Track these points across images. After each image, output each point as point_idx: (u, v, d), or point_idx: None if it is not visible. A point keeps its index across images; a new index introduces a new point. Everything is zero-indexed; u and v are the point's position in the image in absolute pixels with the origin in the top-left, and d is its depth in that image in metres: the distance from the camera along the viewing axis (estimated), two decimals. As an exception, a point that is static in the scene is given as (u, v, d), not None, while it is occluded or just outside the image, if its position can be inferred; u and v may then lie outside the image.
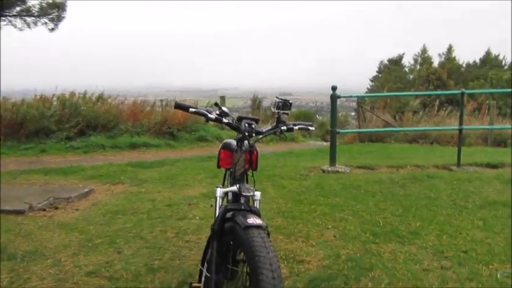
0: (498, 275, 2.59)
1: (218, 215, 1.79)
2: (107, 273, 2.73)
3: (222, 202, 1.94)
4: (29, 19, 11.42)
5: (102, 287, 2.55)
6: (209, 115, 1.86)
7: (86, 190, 4.89)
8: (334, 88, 6.18)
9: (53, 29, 11.66)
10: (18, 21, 11.43)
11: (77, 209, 4.27)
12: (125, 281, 2.63)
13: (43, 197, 4.46)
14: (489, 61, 29.27)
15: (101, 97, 10.47)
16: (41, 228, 3.63)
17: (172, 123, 10.13)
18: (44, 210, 4.17)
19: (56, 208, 4.27)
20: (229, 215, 1.74)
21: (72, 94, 10.12)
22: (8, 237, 3.36)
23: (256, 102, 16.50)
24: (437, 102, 13.15)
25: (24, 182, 5.50)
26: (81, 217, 3.97)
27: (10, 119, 8.91)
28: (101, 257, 3.00)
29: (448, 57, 30.36)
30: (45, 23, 11.55)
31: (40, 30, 11.48)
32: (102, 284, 2.59)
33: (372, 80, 35.14)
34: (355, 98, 12.74)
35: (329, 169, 6.08)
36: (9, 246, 3.16)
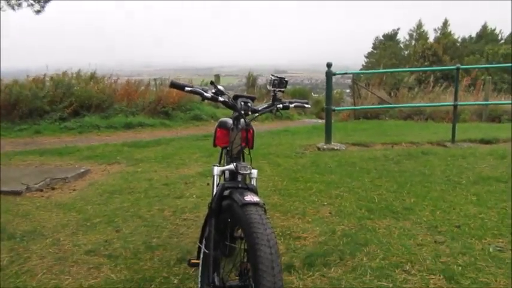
0: (491, 249, 2.64)
1: (216, 193, 1.80)
2: (106, 252, 2.76)
3: (219, 180, 1.95)
4: (13, 0, 11.04)
5: (101, 265, 2.58)
6: (205, 94, 1.86)
7: (82, 170, 4.89)
8: (329, 65, 6.15)
9: (39, 11, 11.29)
10: (2, 3, 11.05)
11: (74, 189, 4.28)
12: (124, 258, 2.66)
13: (39, 177, 4.47)
14: (485, 35, 29.15)
15: (93, 76, 10.36)
16: (38, 208, 3.65)
17: (167, 102, 10.08)
18: (41, 190, 4.18)
19: (53, 188, 4.29)
20: (226, 193, 1.75)
21: (65, 74, 10.00)
22: (7, 217, 3.38)
23: (251, 80, 16.39)
24: (432, 78, 13.14)
25: (20, 163, 5.50)
26: (79, 197, 3.99)
27: (3, 100, 8.85)
28: (99, 235, 3.03)
29: (444, 32, 30.20)
30: (31, 5, 11.17)
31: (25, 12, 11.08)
32: (101, 262, 2.62)
33: (367, 57, 34.97)
34: (351, 75, 12.69)
35: (324, 147, 6.11)
36: (8, 226, 3.18)
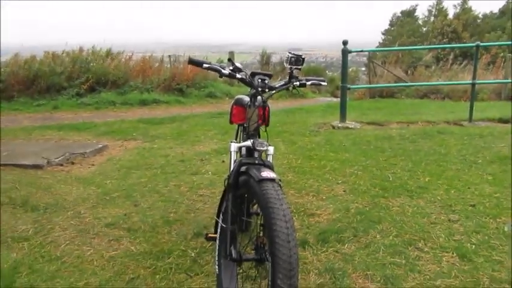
0: (505, 228, 2.65)
1: (233, 168, 1.84)
2: (125, 225, 2.85)
3: (236, 157, 1.99)
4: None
5: (121, 238, 2.67)
6: (223, 71, 1.87)
7: (100, 146, 4.99)
8: (345, 42, 6.07)
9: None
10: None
11: (93, 164, 4.38)
12: (143, 232, 2.75)
13: (59, 152, 4.57)
14: (508, 11, 28.15)
15: (109, 52, 10.41)
16: (59, 182, 3.75)
17: (181, 79, 10.10)
18: (61, 165, 4.29)
19: (73, 163, 4.39)
20: (243, 168, 1.78)
21: (81, 50, 10.07)
22: (30, 190, 3.49)
23: (264, 58, 16.24)
24: (451, 56, 12.85)
25: (40, 137, 5.62)
26: (97, 172, 4.09)
27: (23, 75, 8.98)
28: (118, 209, 3.12)
29: (464, 8, 29.28)
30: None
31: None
32: (121, 235, 2.71)
33: (384, 34, 34.23)
34: (367, 53, 12.49)
35: (339, 125, 6.10)
36: (32, 198, 3.29)
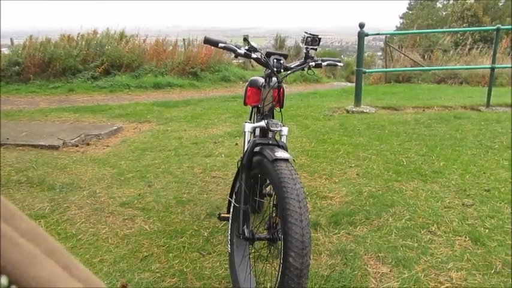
0: (520, 213, 2.62)
1: (247, 149, 1.85)
2: (139, 205, 2.89)
3: (250, 137, 1.99)
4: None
5: (135, 217, 2.72)
6: (238, 50, 1.87)
7: (114, 128, 5.04)
8: (361, 25, 5.97)
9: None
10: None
11: (107, 146, 4.44)
12: (157, 212, 2.79)
13: (75, 133, 4.64)
14: (530, -5, 27.25)
15: (123, 35, 10.41)
16: (75, 162, 3.82)
17: (196, 63, 10.08)
18: (77, 146, 4.35)
19: (88, 144, 4.45)
20: (257, 149, 1.79)
21: (95, 32, 10.10)
22: (46, 170, 3.56)
23: (279, 42, 16.12)
24: (469, 41, 12.54)
25: (56, 119, 5.70)
26: (112, 153, 4.14)
27: (38, 58, 9.07)
28: (132, 189, 3.17)
29: (485, -8, 28.40)
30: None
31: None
32: (135, 214, 2.75)
33: (401, 17, 33.55)
34: (383, 38, 12.27)
35: (353, 109, 6.04)
36: (48, 178, 3.36)
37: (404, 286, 1.94)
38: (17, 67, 8.93)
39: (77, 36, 9.88)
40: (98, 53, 9.53)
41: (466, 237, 2.35)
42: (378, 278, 2.02)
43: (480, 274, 2.02)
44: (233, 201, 1.93)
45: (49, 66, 9.05)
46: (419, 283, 1.96)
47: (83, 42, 9.72)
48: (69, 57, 9.13)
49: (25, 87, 8.52)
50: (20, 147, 4.19)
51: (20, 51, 9.36)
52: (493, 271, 2.04)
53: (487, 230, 2.42)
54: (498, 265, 2.08)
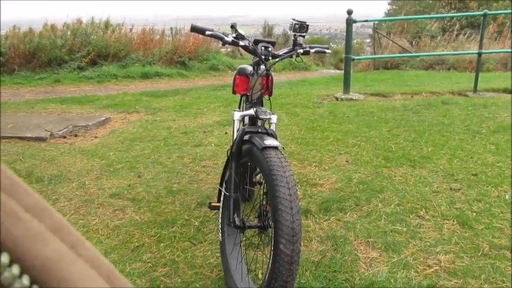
0: (507, 196, 2.66)
1: (236, 137, 1.84)
2: (129, 195, 2.88)
3: (239, 125, 1.99)
4: None
5: (126, 208, 2.70)
6: (225, 38, 1.85)
7: (102, 118, 4.99)
8: (349, 12, 5.95)
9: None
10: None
11: (96, 137, 4.39)
12: (147, 202, 2.78)
13: (62, 125, 4.58)
14: (517, -19, 27.39)
15: (108, 24, 10.24)
16: (63, 154, 3.77)
17: (184, 52, 9.97)
18: (65, 137, 4.30)
19: (76, 135, 4.40)
20: (246, 137, 1.78)
21: (80, 21, 9.92)
22: (34, 162, 3.52)
23: (267, 30, 16.01)
24: (457, 26, 12.59)
25: (42, 110, 5.62)
26: (101, 144, 4.10)
27: (23, 49, 8.89)
28: (122, 180, 3.15)
29: (472, -23, 28.47)
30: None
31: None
32: (125, 205, 2.74)
33: (390, 4, 33.50)
34: (371, 25, 12.25)
35: (343, 97, 6.05)
36: (36, 170, 3.32)
37: (394, 270, 1.97)
38: (1, 58, 8.75)
39: (62, 26, 9.69)
40: (83, 43, 9.37)
41: (454, 221, 2.39)
42: (368, 262, 2.04)
43: (468, 257, 2.06)
44: (223, 190, 1.93)
45: (34, 57, 8.88)
46: (408, 267, 1.99)
47: (68, 32, 9.55)
48: (55, 48, 8.97)
49: (10, 79, 8.35)
50: (6, 140, 4.13)
51: (3, 42, 9.17)
52: (480, 253, 2.08)
53: (474, 214, 2.46)
54: (485, 247, 2.12)
